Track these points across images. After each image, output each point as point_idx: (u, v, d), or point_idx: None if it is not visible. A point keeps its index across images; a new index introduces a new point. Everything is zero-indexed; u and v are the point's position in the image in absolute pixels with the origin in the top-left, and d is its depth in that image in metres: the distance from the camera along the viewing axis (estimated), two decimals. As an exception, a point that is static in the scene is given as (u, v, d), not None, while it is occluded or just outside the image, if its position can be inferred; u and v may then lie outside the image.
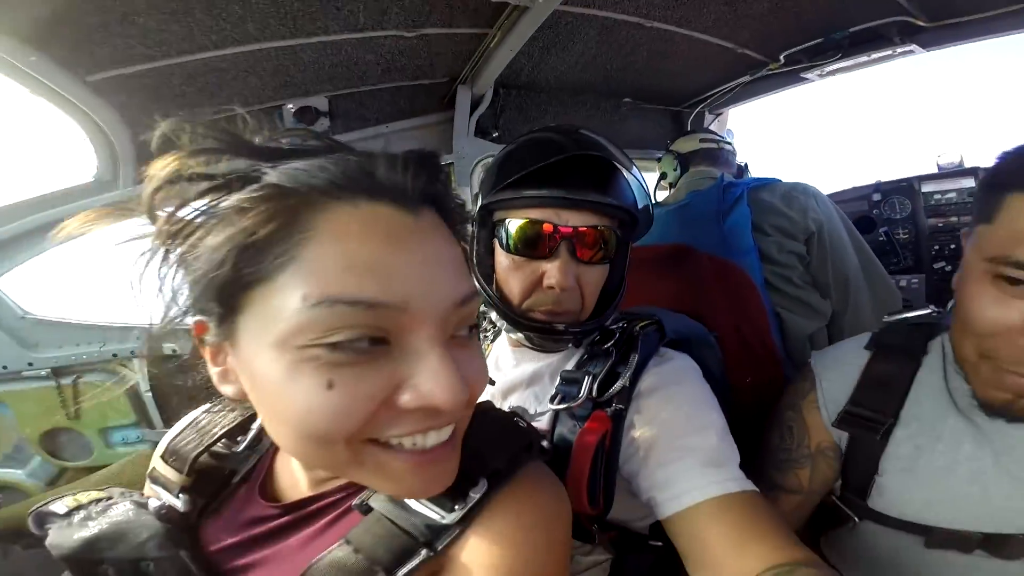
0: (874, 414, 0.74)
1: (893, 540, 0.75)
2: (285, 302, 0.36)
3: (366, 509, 0.47)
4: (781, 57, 1.34)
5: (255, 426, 0.61)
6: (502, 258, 0.73)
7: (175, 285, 0.42)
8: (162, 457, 0.60)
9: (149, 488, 0.61)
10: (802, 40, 1.28)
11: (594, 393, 0.69)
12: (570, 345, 0.78)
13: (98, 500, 0.56)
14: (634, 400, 0.69)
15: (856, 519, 0.77)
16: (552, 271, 0.69)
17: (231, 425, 0.60)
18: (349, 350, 0.36)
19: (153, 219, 0.41)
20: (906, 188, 1.83)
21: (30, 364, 1.37)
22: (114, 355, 1.43)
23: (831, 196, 1.91)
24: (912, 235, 1.89)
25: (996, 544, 0.68)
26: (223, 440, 0.59)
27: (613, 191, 0.72)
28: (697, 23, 1.20)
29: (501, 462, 0.49)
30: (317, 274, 0.36)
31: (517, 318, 0.73)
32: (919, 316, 0.80)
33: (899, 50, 1.22)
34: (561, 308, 0.71)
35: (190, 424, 0.62)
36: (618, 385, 0.68)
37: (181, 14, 0.84)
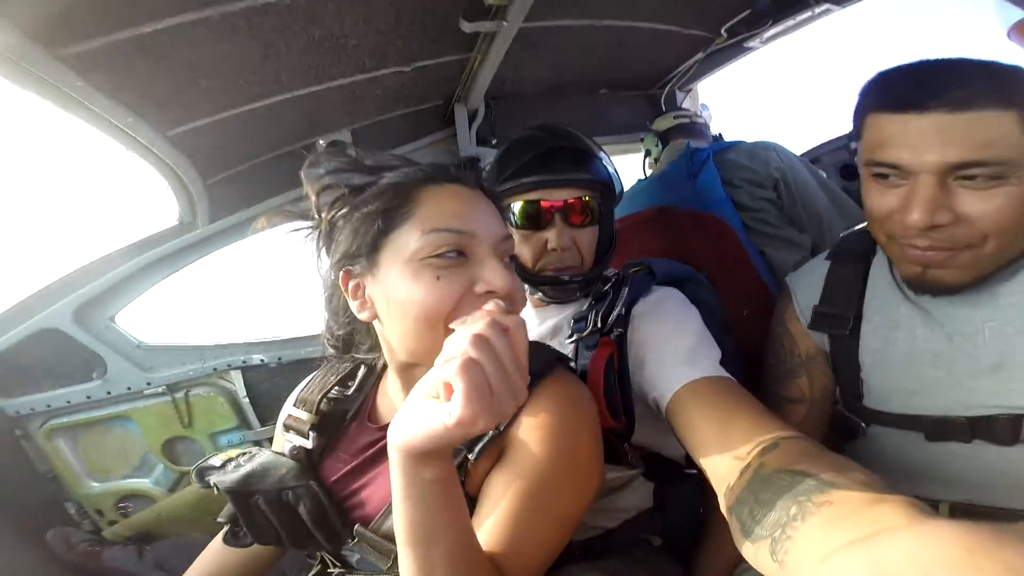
0: (839, 311, 0.85)
1: (899, 440, 0.81)
2: (410, 237, 0.60)
3: None
4: (723, 32, 1.52)
5: (360, 372, 0.82)
6: (515, 233, 0.92)
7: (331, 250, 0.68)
8: (294, 405, 0.82)
9: (281, 436, 0.82)
10: (732, 13, 1.46)
11: (599, 324, 0.84)
12: (579, 295, 0.96)
13: (243, 453, 0.77)
14: (630, 323, 0.84)
15: (863, 424, 0.85)
16: (552, 236, 0.89)
17: (342, 374, 0.82)
18: (446, 257, 0.59)
19: (319, 212, 0.68)
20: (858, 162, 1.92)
21: (148, 384, 1.66)
22: (214, 369, 1.70)
23: (815, 148, 2.05)
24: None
25: (985, 428, 0.73)
26: (337, 387, 0.81)
27: (588, 169, 0.92)
28: (639, 15, 1.42)
29: (539, 364, 0.66)
30: (427, 219, 0.61)
31: (532, 278, 0.93)
32: (867, 225, 0.91)
33: (818, 10, 1.38)
34: (564, 264, 0.91)
35: (311, 379, 0.85)
36: (615, 314, 0.84)
37: (232, 74, 1.13)
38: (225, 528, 0.75)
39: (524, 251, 0.92)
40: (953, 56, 0.67)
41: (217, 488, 0.71)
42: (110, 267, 1.57)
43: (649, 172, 1.80)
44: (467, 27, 1.22)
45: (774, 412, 0.65)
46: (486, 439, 0.61)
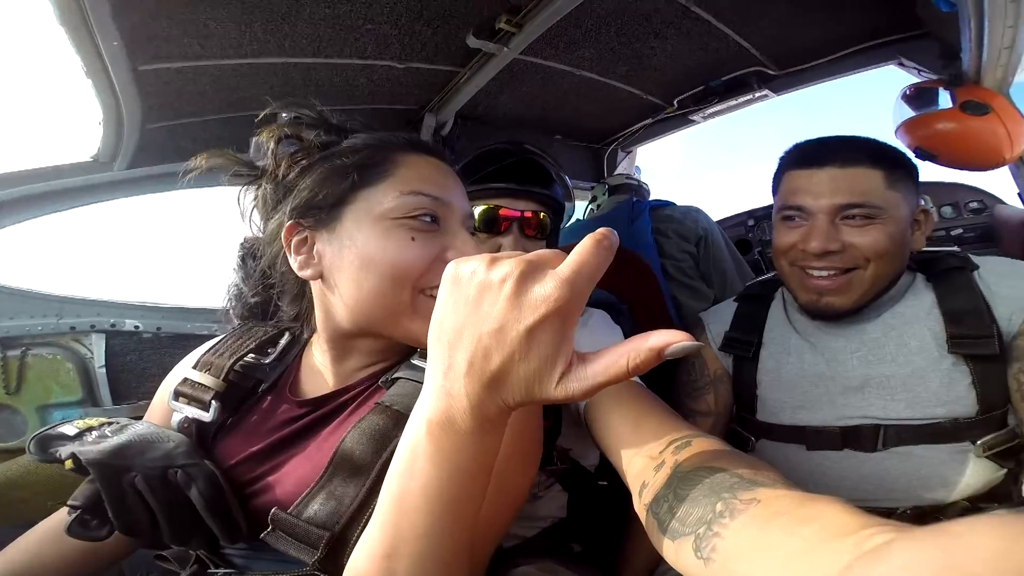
0: (745, 337, 1.11)
1: (783, 451, 1.04)
2: (385, 195, 0.64)
3: (391, 383, 0.65)
4: (675, 102, 1.91)
5: (283, 341, 0.79)
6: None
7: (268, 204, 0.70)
8: (195, 367, 0.73)
9: (163, 408, 0.73)
10: (690, 87, 1.85)
11: None
12: None
13: (108, 423, 0.67)
14: None
15: (753, 438, 1.08)
16: (507, 243, 1.01)
17: (261, 339, 0.77)
18: (422, 220, 0.64)
19: (276, 160, 0.68)
20: (772, 215, 2.48)
21: None
22: (71, 328, 1.51)
23: (719, 222, 2.57)
24: (778, 254, 2.53)
25: (852, 437, 0.96)
26: (253, 353, 0.75)
27: (549, 187, 1.08)
28: (614, 73, 1.74)
29: None
30: (406, 181, 0.65)
31: None
32: (767, 276, 1.22)
33: (757, 94, 1.81)
34: None
35: (220, 340, 0.78)
36: None
37: (243, 26, 1.16)
38: (72, 515, 0.61)
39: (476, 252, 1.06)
40: (847, 134, 1.01)
41: (75, 462, 0.59)
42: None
43: (587, 216, 2.16)
44: (473, 42, 1.40)
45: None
46: None
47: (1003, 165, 1.51)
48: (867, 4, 1.41)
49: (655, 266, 1.70)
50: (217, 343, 0.78)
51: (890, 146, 0.99)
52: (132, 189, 1.54)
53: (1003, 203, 1.95)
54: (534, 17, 1.33)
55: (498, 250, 1.00)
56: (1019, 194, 1.62)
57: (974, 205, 2.02)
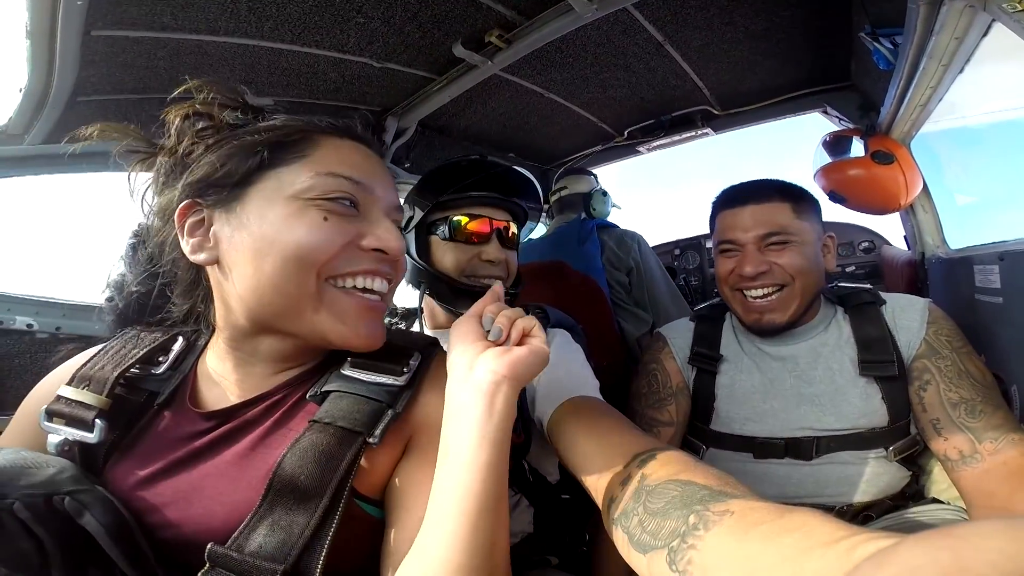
0: (710, 353, 1.25)
1: (732, 460, 1.16)
2: (299, 175, 0.60)
3: (321, 397, 0.62)
4: (625, 132, 2.07)
5: (177, 347, 0.71)
6: (444, 244, 1.05)
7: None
8: (70, 383, 0.65)
9: (32, 428, 0.65)
10: (641, 120, 2.01)
11: None
12: None
13: None
14: None
15: (704, 447, 1.22)
16: (491, 250, 1.05)
17: (150, 347, 0.69)
18: (339, 203, 0.61)
19: (179, 136, 0.63)
20: (696, 244, 2.75)
21: None
22: None
23: (651, 249, 2.77)
24: (700, 281, 2.80)
25: (794, 448, 1.10)
26: (141, 364, 0.68)
27: (528, 200, 1.14)
28: (577, 99, 1.84)
29: (427, 343, 0.71)
30: (323, 162, 0.61)
31: (457, 288, 1.05)
32: (714, 301, 1.36)
33: (699, 132, 2.01)
34: (494, 274, 1.07)
35: (100, 352, 0.70)
36: None
37: (225, 1, 1.10)
38: None
39: (451, 259, 1.05)
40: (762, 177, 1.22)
41: None
42: None
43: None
44: (459, 52, 1.43)
45: (646, 432, 0.79)
46: (387, 419, 0.59)
47: (898, 211, 1.83)
48: (805, 55, 1.65)
49: (605, 290, 1.81)
50: (96, 354, 0.69)
51: (794, 184, 1.19)
52: (43, 167, 1.34)
53: (889, 244, 2.33)
54: (525, 36, 1.39)
55: (475, 257, 1.04)
56: (905, 237, 1.96)
57: (865, 245, 2.40)
